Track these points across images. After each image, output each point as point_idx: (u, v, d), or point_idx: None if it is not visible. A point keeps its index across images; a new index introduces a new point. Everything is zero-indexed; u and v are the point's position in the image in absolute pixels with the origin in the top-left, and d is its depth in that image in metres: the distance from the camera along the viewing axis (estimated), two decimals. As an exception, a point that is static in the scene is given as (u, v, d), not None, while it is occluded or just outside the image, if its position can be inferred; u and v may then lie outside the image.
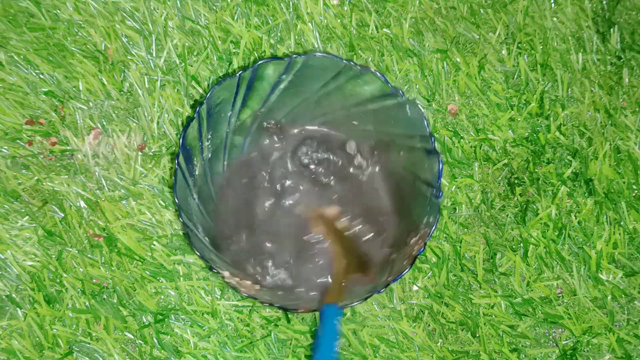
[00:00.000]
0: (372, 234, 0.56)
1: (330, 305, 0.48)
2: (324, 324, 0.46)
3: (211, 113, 0.51)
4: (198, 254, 0.46)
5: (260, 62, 0.51)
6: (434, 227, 0.50)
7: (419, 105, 0.52)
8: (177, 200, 0.48)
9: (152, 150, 0.57)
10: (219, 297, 0.55)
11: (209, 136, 0.52)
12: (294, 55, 0.51)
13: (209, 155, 0.54)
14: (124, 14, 0.59)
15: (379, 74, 0.51)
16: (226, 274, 0.48)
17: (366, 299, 0.48)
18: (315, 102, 0.56)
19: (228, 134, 0.55)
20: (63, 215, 0.56)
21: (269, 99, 0.54)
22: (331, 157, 0.58)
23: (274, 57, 0.53)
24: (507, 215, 0.59)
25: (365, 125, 0.56)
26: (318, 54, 0.51)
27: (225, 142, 0.55)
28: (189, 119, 0.48)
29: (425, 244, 0.50)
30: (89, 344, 0.53)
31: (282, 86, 0.54)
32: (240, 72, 0.50)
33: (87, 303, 0.54)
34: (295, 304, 0.49)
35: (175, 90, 0.58)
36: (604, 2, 0.64)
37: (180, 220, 0.48)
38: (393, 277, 0.49)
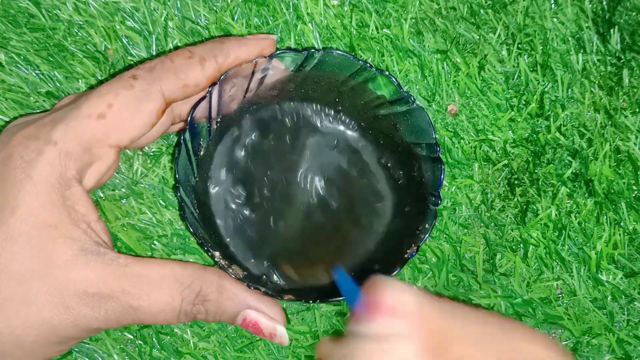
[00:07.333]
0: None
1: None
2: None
3: (222, 95, 0.49)
4: (191, 230, 0.46)
5: (276, 53, 0.50)
6: (428, 234, 0.50)
7: (428, 113, 0.52)
8: (177, 175, 0.47)
9: (152, 150, 0.57)
10: (218, 297, 0.55)
11: (218, 119, 0.51)
12: (312, 50, 0.50)
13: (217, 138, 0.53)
14: (124, 15, 0.59)
15: (393, 78, 0.51)
16: (217, 254, 0.47)
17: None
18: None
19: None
20: (63, 215, 0.56)
21: None
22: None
23: (291, 49, 0.52)
24: (507, 215, 0.59)
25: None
26: (336, 51, 0.50)
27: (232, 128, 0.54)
28: (200, 99, 0.47)
29: (418, 248, 0.50)
30: (89, 344, 0.53)
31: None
32: (256, 59, 0.49)
33: (86, 303, 0.54)
34: (282, 292, 0.48)
35: (176, 90, 0.58)
36: (604, 3, 0.64)
37: (177, 195, 0.47)
38: None
